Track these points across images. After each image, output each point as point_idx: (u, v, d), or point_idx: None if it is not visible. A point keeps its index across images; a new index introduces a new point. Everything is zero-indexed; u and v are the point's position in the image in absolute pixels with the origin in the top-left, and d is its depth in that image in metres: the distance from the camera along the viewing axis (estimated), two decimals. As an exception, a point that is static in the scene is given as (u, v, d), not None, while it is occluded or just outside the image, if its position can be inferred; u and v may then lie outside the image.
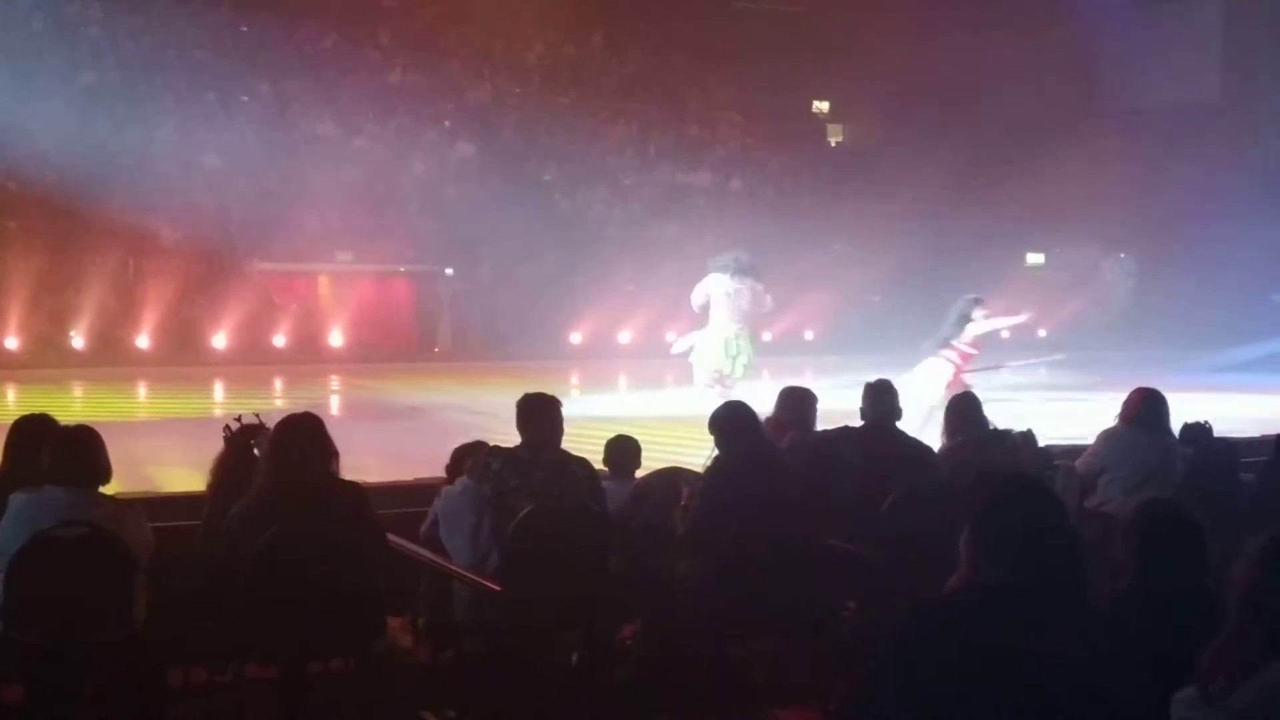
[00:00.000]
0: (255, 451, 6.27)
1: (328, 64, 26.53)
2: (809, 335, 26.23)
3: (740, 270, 14.90)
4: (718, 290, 14.88)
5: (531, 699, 5.96)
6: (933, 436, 8.17)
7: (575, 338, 24.46)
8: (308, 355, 21.97)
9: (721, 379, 14.84)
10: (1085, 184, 26.35)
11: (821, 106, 32.93)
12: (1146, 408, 7.80)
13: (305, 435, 5.84)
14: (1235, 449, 8.19)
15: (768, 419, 7.49)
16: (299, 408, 6.74)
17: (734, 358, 14.95)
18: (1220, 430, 8.57)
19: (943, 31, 28.10)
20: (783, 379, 8.83)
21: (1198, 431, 8.02)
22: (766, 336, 25.86)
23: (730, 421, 6.53)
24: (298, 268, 23.30)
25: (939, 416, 8.53)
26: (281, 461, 5.75)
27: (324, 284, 23.43)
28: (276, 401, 17.47)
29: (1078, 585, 3.22)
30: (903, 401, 7.74)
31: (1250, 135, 25.88)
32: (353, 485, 5.91)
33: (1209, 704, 2.91)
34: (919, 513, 6.33)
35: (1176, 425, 8.07)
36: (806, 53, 29.80)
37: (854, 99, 31.59)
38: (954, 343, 13.11)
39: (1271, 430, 11.45)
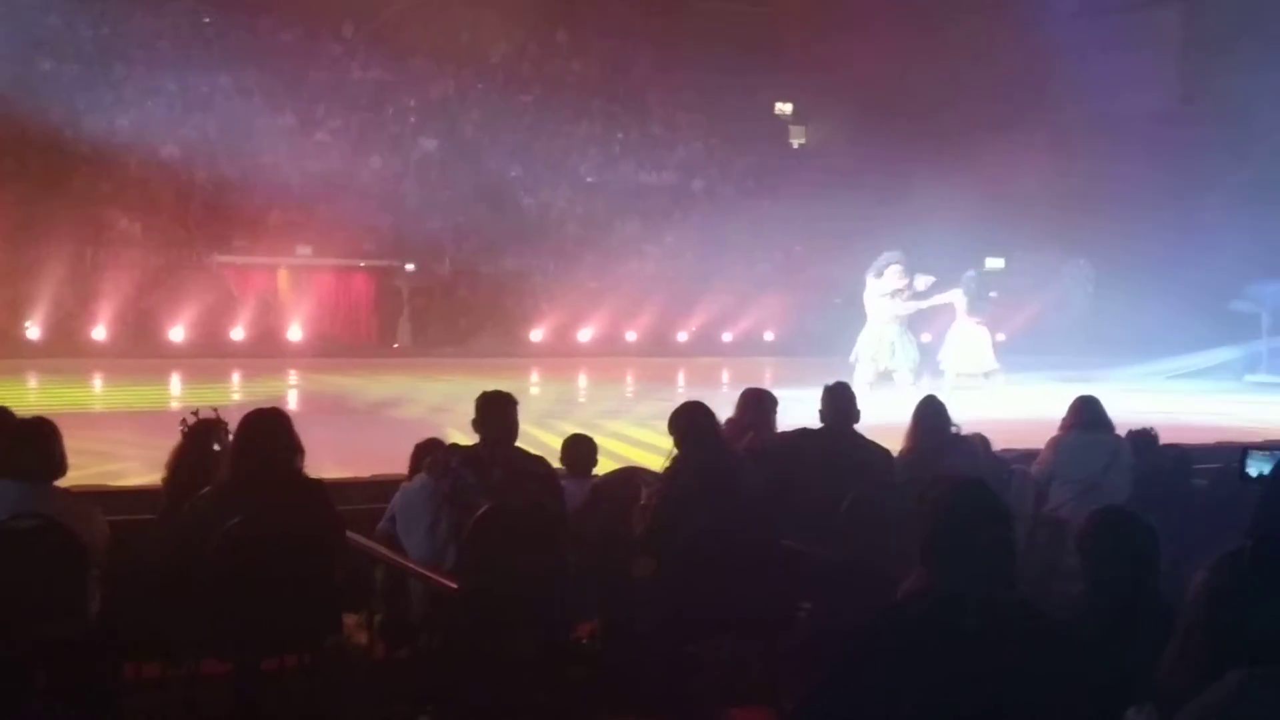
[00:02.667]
0: (214, 446, 6.25)
1: (289, 57, 26.41)
2: (769, 336, 26.30)
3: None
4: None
5: (487, 697, 5.95)
6: None
7: (536, 335, 24.44)
8: (266, 349, 21.87)
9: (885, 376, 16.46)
10: (1045, 188, 26.51)
11: (784, 108, 33.01)
12: (1085, 412, 8.01)
13: (272, 430, 5.83)
14: (1186, 455, 8.27)
15: (728, 420, 7.52)
16: (257, 402, 6.73)
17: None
18: (1172, 437, 8.66)
19: (905, 35, 28.20)
20: (743, 380, 8.86)
21: (1143, 439, 8.12)
22: (727, 337, 26.01)
23: (689, 422, 6.54)
24: (257, 261, 23.19)
25: None
26: (246, 454, 5.74)
27: (283, 278, 23.32)
28: (234, 395, 17.38)
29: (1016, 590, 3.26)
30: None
31: (1210, 140, 26.07)
32: (315, 482, 5.90)
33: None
34: (876, 515, 6.36)
35: (1123, 433, 8.20)
36: (770, 54, 29.87)
37: (817, 101, 31.68)
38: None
39: (1224, 437, 11.61)
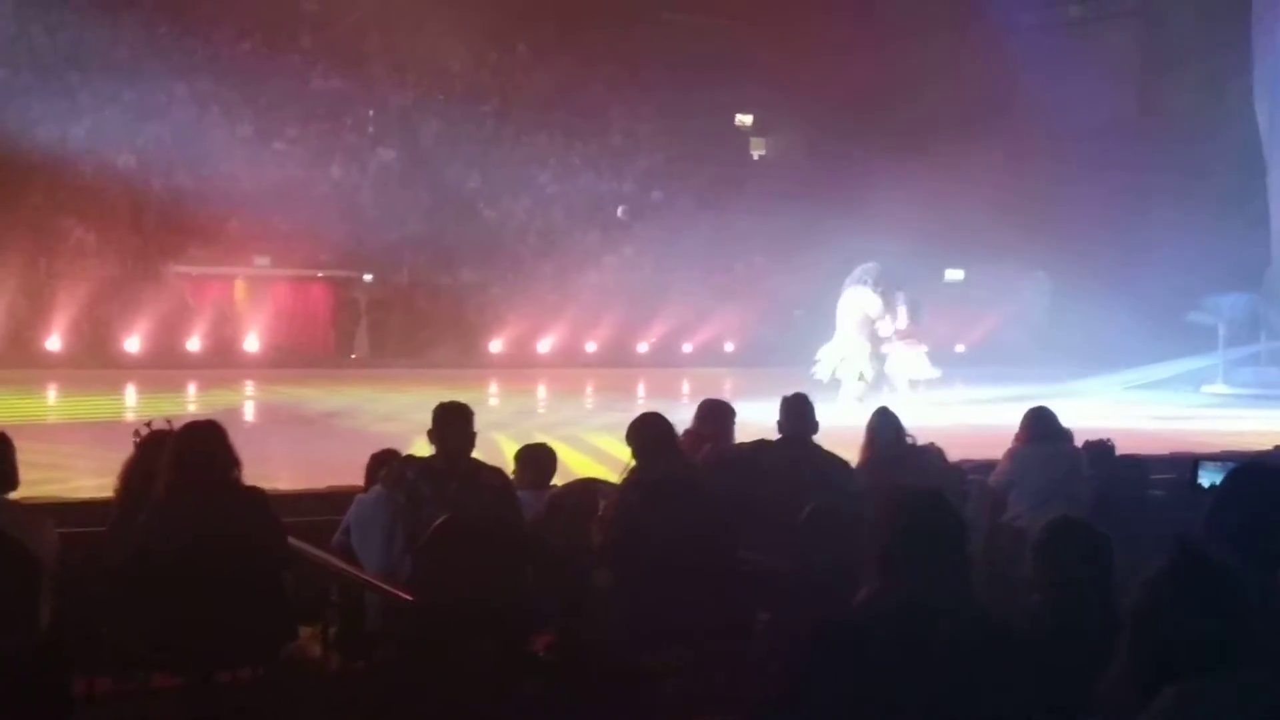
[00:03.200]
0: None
1: (247, 66, 26.27)
2: (729, 347, 26.33)
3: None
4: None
5: (443, 710, 5.91)
6: None
7: (495, 346, 24.39)
8: (223, 359, 21.75)
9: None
10: (1003, 201, 26.66)
11: (744, 120, 33.09)
12: (1038, 423, 8.04)
13: (207, 442, 5.77)
14: (1143, 466, 8.32)
15: (686, 431, 7.50)
16: (212, 413, 6.66)
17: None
18: (1128, 447, 8.71)
19: (864, 48, 28.31)
20: (702, 392, 8.86)
21: (1100, 450, 8.16)
22: (687, 348, 26.03)
23: (646, 433, 6.52)
24: (214, 271, 23.06)
25: None
26: (183, 467, 5.67)
27: (240, 288, 23.20)
28: (190, 406, 17.24)
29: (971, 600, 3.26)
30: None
31: (1167, 154, 26.30)
32: (254, 490, 5.84)
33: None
34: (833, 526, 6.35)
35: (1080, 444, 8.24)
36: (730, 66, 29.93)
37: (777, 113, 31.77)
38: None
39: (1180, 448, 11.68)
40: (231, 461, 5.78)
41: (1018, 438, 8.17)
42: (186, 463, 5.69)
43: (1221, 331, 23.64)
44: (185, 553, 5.44)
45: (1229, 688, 2.37)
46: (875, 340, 17.42)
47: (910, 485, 4.52)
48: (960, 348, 28.59)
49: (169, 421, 6.45)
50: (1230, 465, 5.49)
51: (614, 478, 6.98)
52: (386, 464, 6.57)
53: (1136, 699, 2.59)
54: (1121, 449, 8.49)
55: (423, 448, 6.74)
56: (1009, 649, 3.32)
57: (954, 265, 30.08)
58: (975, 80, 27.74)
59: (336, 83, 27.04)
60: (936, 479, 7.33)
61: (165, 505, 5.61)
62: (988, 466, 8.49)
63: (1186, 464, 8.20)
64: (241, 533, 5.61)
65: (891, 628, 2.79)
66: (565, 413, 17.82)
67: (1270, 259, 24.40)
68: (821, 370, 17.46)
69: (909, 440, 7.90)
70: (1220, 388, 23.23)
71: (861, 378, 17.13)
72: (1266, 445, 11.06)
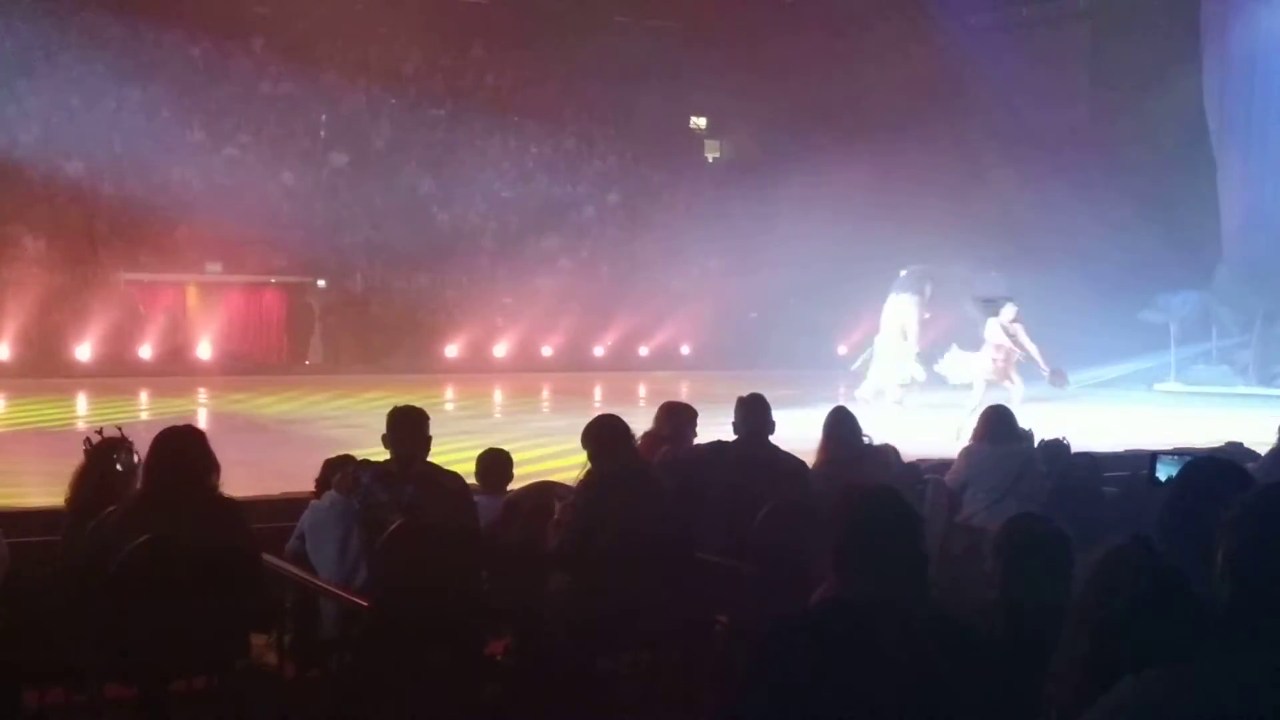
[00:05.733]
0: (117, 465, 6.12)
1: (198, 71, 26.08)
2: (685, 350, 26.34)
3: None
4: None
5: (400, 716, 5.88)
6: None
7: (451, 351, 24.30)
8: (175, 367, 21.59)
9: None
10: (956, 200, 26.76)
11: (699, 122, 33.12)
12: (995, 423, 8.09)
13: (186, 446, 5.72)
14: (1097, 463, 8.38)
15: (645, 433, 7.50)
16: (165, 421, 6.61)
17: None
18: (1083, 445, 8.77)
19: (817, 49, 28.39)
20: (660, 395, 8.85)
21: (1055, 448, 8.22)
22: (643, 351, 26.02)
23: (602, 435, 6.50)
24: (166, 278, 22.88)
25: None
26: (160, 470, 5.62)
27: (193, 295, 23.04)
28: (142, 414, 17.10)
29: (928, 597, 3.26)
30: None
31: (1116, 155, 26.47)
32: (231, 501, 5.80)
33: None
34: (790, 526, 6.36)
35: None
36: (683, 69, 29.95)
37: (732, 115, 31.80)
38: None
39: (1134, 445, 11.76)
40: (210, 466, 5.72)
41: (974, 436, 8.23)
42: (164, 466, 5.63)
43: (1173, 330, 23.84)
44: (149, 558, 5.38)
45: (1185, 677, 2.37)
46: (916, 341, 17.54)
47: (866, 484, 4.53)
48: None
49: (120, 429, 6.39)
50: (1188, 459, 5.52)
51: (571, 481, 6.96)
52: (340, 469, 6.53)
53: (1089, 691, 2.59)
54: (1076, 446, 8.55)
55: (377, 453, 6.71)
56: (966, 646, 3.32)
57: (909, 265, 30.18)
58: (929, 81, 27.86)
59: (288, 87, 26.87)
60: (892, 478, 7.36)
61: (136, 508, 5.55)
62: (944, 466, 8.53)
63: (1141, 460, 8.26)
64: (208, 541, 5.55)
65: (848, 626, 2.78)
66: (521, 418, 17.77)
67: (1221, 257, 24.63)
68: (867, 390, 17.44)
69: (866, 440, 7.93)
70: (1173, 385, 23.42)
71: (912, 381, 17.31)
72: (1218, 442, 11.15)
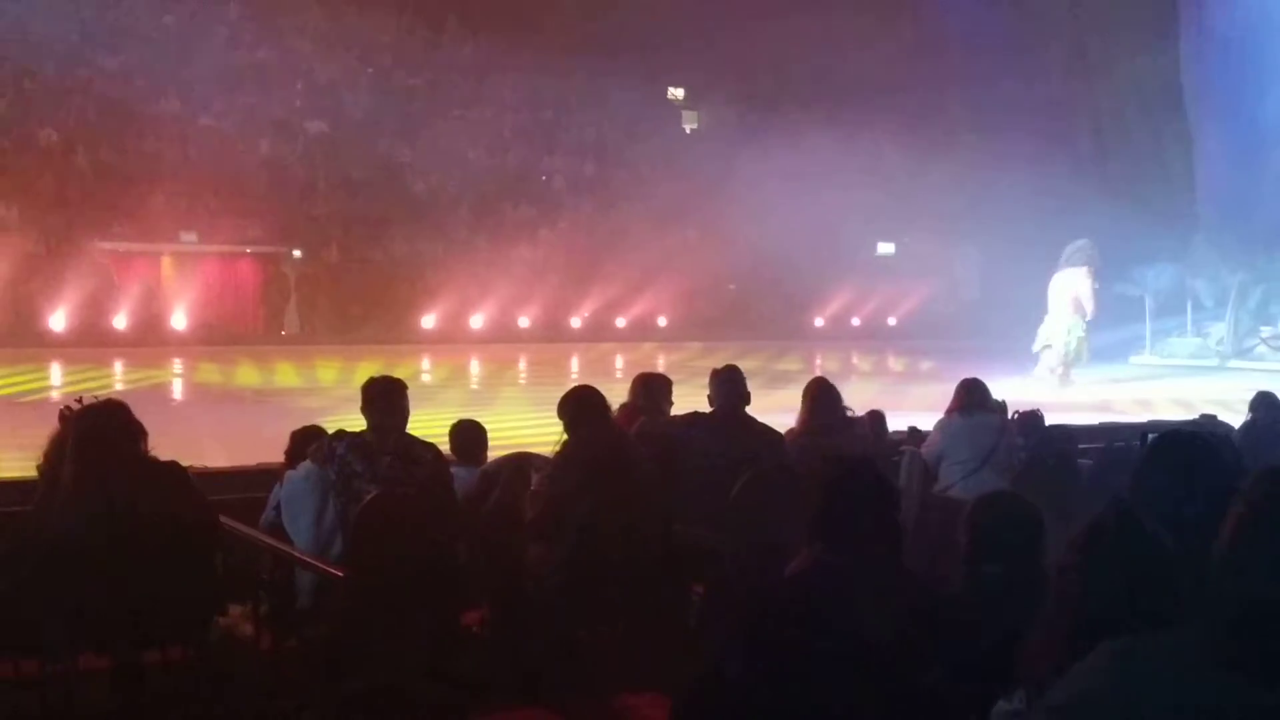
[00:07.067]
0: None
1: (173, 39, 25.88)
2: (662, 321, 26.34)
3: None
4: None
5: (376, 688, 5.87)
6: None
7: (427, 321, 24.25)
8: (150, 337, 21.48)
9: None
10: (933, 175, 26.79)
11: (677, 93, 33.03)
12: (969, 395, 8.11)
13: (107, 418, 5.64)
14: (1071, 435, 8.41)
15: (621, 405, 7.48)
16: (140, 391, 6.57)
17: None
18: (1058, 417, 8.80)
19: (794, 20, 28.31)
20: (637, 366, 8.84)
21: (1030, 420, 8.24)
22: (620, 323, 26.01)
23: (578, 407, 6.48)
24: (140, 248, 22.75)
25: None
26: (86, 446, 5.54)
27: (167, 264, 22.92)
28: (117, 385, 17.02)
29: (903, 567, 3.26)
30: None
31: (1095, 126, 26.51)
32: (171, 464, 5.72)
33: (1027, 705, 2.95)
34: (767, 498, 6.36)
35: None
36: (661, 39, 29.85)
37: (709, 86, 31.73)
38: None
39: (1108, 417, 11.82)
40: (135, 434, 5.64)
41: (949, 408, 8.24)
42: (88, 444, 5.55)
43: (1149, 303, 23.93)
44: (104, 530, 5.34)
45: (1162, 645, 2.38)
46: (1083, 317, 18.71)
47: (842, 454, 4.53)
48: (892, 320, 28.79)
49: (97, 399, 6.34)
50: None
51: (547, 452, 6.94)
52: (312, 440, 6.49)
53: (1067, 656, 2.60)
54: (1050, 419, 8.57)
55: (352, 423, 6.68)
56: (941, 616, 3.33)
57: (885, 239, 30.23)
58: (905, 52, 27.85)
59: (264, 55, 26.70)
60: (868, 449, 7.38)
61: (73, 490, 5.49)
62: (920, 437, 8.55)
63: (1113, 432, 8.28)
64: (161, 506, 5.50)
65: (824, 595, 2.79)
66: (498, 389, 17.75)
67: (1197, 231, 24.71)
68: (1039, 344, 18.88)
69: (847, 411, 7.93)
70: (1148, 358, 23.52)
71: (1074, 354, 18.60)
72: (1193, 414, 11.21)
